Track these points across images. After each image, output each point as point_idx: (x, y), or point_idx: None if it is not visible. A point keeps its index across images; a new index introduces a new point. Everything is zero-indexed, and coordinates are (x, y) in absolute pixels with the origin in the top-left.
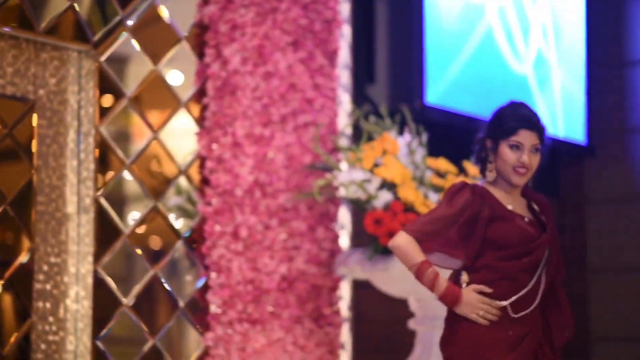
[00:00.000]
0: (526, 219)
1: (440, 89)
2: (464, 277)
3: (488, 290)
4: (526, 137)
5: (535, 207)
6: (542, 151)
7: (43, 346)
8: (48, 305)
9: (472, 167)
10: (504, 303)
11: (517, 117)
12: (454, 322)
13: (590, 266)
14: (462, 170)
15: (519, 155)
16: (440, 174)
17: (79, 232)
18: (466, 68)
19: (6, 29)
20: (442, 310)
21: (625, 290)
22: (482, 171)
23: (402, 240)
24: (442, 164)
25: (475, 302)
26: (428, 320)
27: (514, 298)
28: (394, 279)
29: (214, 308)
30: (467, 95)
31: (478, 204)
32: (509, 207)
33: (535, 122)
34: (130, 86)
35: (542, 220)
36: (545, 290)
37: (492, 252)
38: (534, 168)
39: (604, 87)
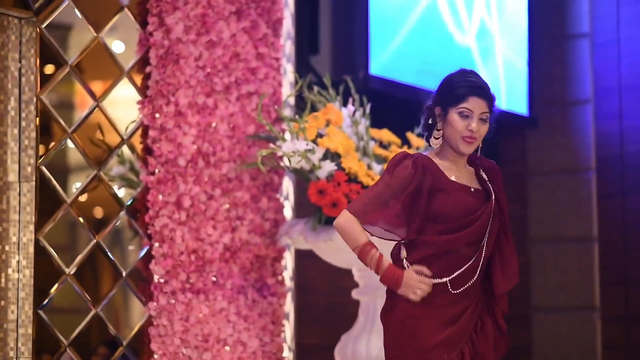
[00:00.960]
0: (472, 189)
1: (384, 59)
2: (403, 253)
3: (427, 272)
4: (475, 105)
5: (484, 175)
6: (490, 121)
7: None
8: None
9: (415, 138)
10: (444, 280)
11: (467, 84)
12: (395, 294)
13: (531, 237)
14: (405, 141)
15: (467, 123)
16: (384, 145)
17: (21, 201)
18: (410, 39)
19: None
20: None
21: (566, 261)
22: (428, 138)
23: (345, 220)
24: (385, 134)
25: (414, 283)
26: (371, 290)
27: (455, 274)
28: (337, 249)
29: (157, 278)
30: (411, 66)
31: (420, 174)
32: (453, 177)
33: (485, 90)
34: (72, 54)
35: (488, 188)
36: (485, 262)
37: (432, 225)
38: (482, 136)
39: (546, 60)
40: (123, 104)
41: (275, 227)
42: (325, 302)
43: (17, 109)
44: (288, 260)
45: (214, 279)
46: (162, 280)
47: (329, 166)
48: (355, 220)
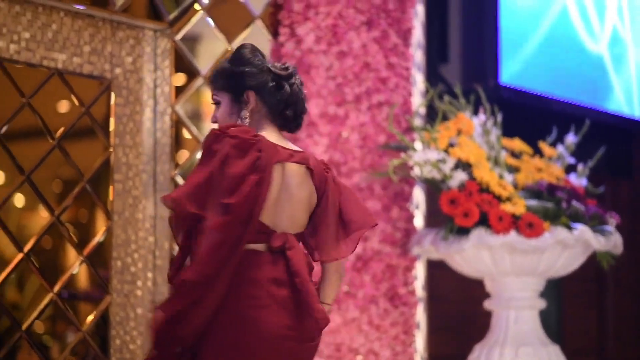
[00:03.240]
0: None
1: (515, 68)
2: None
3: None
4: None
5: None
6: (220, 102)
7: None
8: (126, 282)
9: (547, 148)
10: None
11: None
12: None
13: None
14: (537, 150)
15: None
16: (515, 154)
17: (156, 210)
18: (541, 47)
19: (83, 7)
20: (517, 291)
21: None
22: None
23: None
24: (517, 144)
25: None
26: (504, 301)
27: None
28: (469, 259)
29: None
30: (542, 74)
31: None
32: None
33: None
34: (204, 65)
35: None
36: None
37: None
38: (221, 119)
39: None
40: None
41: (406, 237)
42: (456, 312)
43: (152, 119)
44: (419, 270)
45: (346, 288)
46: None
47: (460, 176)
48: None
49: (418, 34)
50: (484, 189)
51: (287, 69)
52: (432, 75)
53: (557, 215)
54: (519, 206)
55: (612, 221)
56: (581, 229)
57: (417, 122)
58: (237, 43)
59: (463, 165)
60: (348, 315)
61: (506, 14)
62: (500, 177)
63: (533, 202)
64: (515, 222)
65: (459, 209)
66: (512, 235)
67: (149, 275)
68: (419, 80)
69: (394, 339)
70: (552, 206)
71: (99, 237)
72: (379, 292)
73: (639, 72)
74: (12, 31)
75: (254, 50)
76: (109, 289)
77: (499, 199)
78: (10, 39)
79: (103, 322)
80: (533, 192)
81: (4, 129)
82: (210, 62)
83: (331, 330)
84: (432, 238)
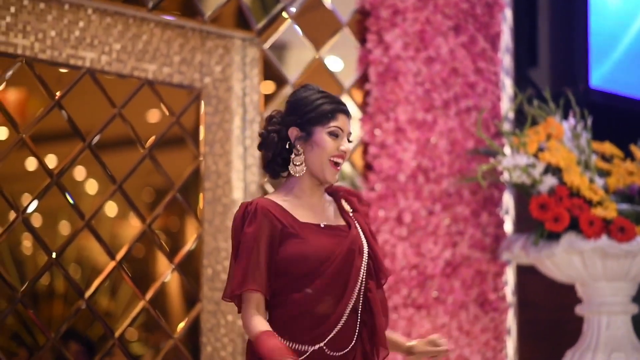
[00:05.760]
0: (322, 225)
1: (605, 71)
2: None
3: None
4: (344, 123)
5: (346, 205)
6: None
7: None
8: (217, 290)
9: (638, 151)
10: (317, 346)
11: (331, 100)
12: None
13: None
14: (628, 154)
15: (338, 143)
16: (606, 158)
17: None
18: (631, 49)
19: (172, 18)
20: (609, 296)
21: None
22: (273, 169)
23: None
24: (608, 147)
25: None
26: (595, 306)
27: (328, 338)
28: (559, 264)
29: None
30: (633, 77)
31: (268, 221)
32: (303, 218)
33: (347, 108)
34: (292, 72)
35: (351, 221)
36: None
37: (288, 280)
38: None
39: None
40: None
41: (495, 242)
42: (547, 317)
43: (241, 127)
44: (509, 276)
45: (435, 294)
46: None
47: (550, 180)
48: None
49: (506, 39)
50: (575, 194)
51: None
52: (521, 80)
53: None
54: (610, 210)
55: None
56: None
57: (506, 126)
58: (325, 50)
59: (553, 169)
60: (438, 321)
61: (596, 17)
62: (591, 181)
63: (624, 206)
64: (606, 227)
65: (549, 213)
66: (604, 239)
67: None
68: (507, 85)
69: (485, 345)
70: None
71: (189, 245)
72: (468, 297)
73: None
74: (104, 43)
75: None
76: (200, 296)
77: (589, 203)
78: (101, 51)
79: (195, 329)
80: (624, 196)
81: (96, 138)
82: (299, 70)
83: (420, 336)
84: (522, 243)
